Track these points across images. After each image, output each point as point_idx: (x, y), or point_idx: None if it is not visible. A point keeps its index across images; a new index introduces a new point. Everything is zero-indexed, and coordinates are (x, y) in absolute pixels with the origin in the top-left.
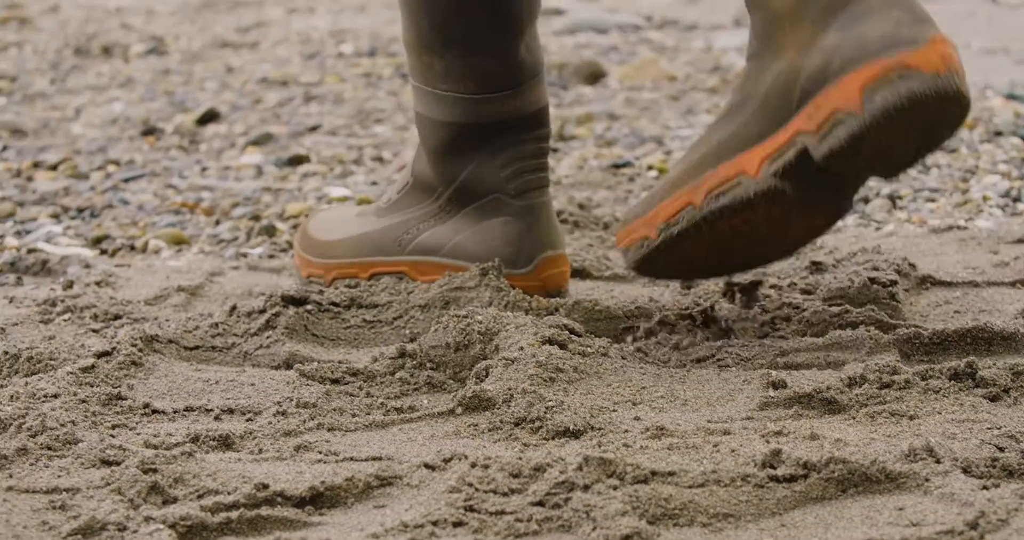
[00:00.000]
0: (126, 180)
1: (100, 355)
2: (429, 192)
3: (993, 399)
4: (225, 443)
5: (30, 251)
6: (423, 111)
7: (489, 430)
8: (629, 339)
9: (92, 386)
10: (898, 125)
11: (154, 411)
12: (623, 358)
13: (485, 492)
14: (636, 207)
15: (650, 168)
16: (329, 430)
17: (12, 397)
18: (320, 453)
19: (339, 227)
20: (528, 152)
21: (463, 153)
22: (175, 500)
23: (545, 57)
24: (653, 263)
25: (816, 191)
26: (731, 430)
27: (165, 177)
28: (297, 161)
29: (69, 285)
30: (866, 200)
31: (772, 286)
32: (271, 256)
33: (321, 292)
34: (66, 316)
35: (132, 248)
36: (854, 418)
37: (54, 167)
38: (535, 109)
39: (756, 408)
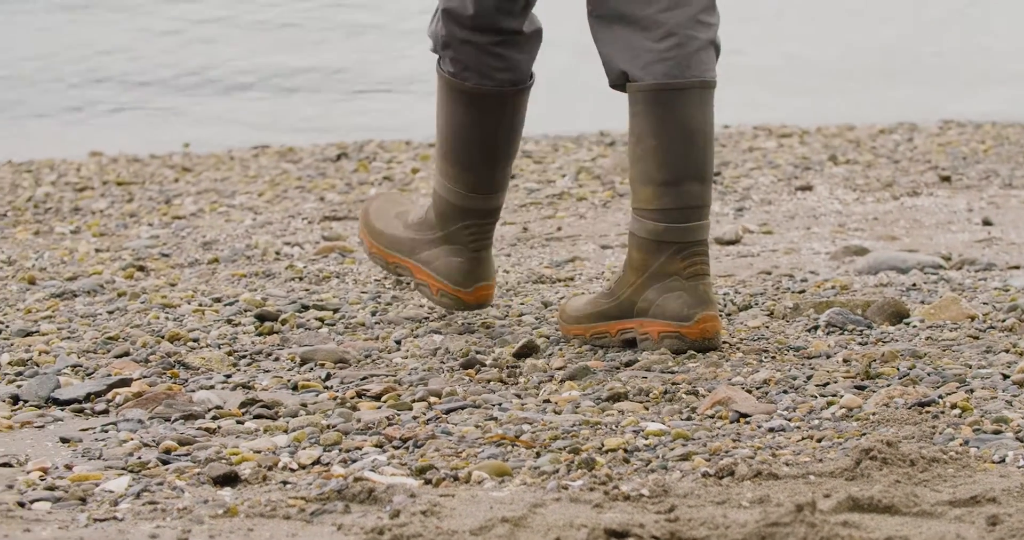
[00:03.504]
0: (448, 411)
1: None
2: (431, 229)
3: None
4: None
5: (356, 480)
6: (439, 190)
7: None
8: None
9: None
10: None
11: None
12: None
13: None
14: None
15: (954, 407)
16: None
17: None
18: None
19: (386, 221)
20: (485, 228)
21: (452, 219)
22: None
23: (849, 296)
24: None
25: None
26: None
27: (485, 409)
28: (615, 397)
29: (396, 514)
30: None
31: None
32: (591, 489)
33: (642, 525)
34: None
35: (456, 479)
36: None
37: (377, 397)
38: (495, 206)
39: None
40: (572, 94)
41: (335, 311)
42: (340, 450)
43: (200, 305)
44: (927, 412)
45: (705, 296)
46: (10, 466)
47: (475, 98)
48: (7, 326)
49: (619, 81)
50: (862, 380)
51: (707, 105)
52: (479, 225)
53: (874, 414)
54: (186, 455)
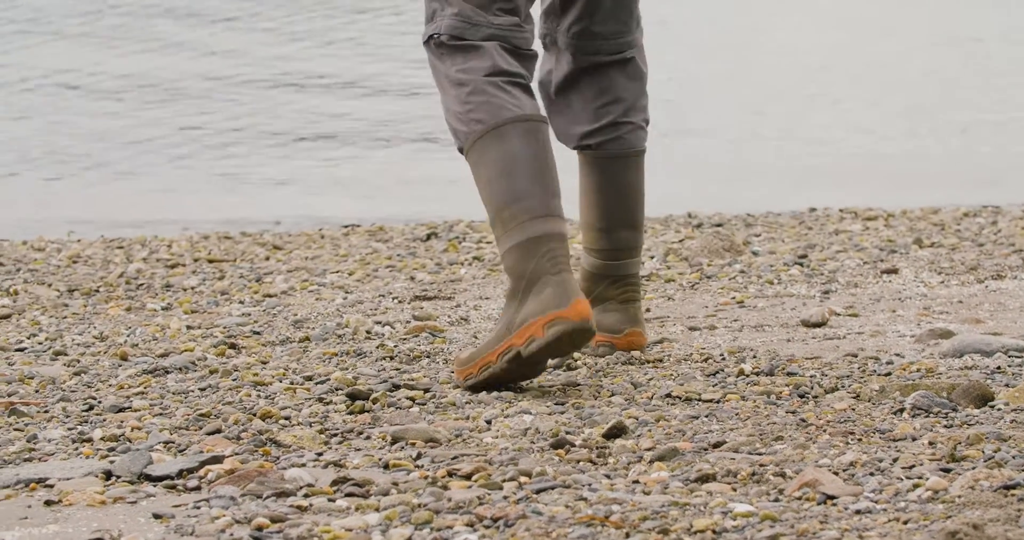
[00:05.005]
0: (538, 491)
1: None
2: (514, 299)
3: None
4: None
5: None
6: (504, 252)
7: None
8: None
9: None
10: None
11: None
12: None
13: None
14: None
15: None
16: None
17: None
18: None
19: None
20: (557, 250)
21: (525, 260)
22: None
23: (934, 379)
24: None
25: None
26: None
27: (575, 489)
28: (703, 478)
29: None
30: None
31: None
32: None
33: None
34: None
35: None
36: None
37: (468, 476)
38: (559, 231)
39: None
40: (660, 176)
41: (426, 391)
42: (431, 529)
43: (291, 383)
44: (1012, 495)
45: (634, 316)
46: None
47: (502, 133)
48: (100, 402)
49: (577, 145)
50: (948, 463)
51: (639, 168)
52: (550, 248)
53: (960, 497)
54: (278, 532)
